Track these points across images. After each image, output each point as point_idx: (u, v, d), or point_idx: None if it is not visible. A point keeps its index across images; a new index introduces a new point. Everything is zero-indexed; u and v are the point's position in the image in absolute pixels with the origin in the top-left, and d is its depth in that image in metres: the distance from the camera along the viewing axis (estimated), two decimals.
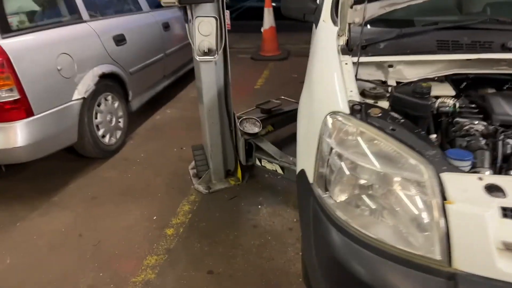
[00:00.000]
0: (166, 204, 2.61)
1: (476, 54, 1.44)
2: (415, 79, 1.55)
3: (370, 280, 0.96)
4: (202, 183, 2.77)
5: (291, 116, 3.30)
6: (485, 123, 1.22)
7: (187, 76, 5.18)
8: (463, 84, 1.59)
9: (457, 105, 1.34)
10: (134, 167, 3.12)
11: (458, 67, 1.53)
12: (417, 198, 0.97)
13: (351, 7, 1.56)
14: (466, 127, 1.21)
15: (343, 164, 1.10)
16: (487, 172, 1.05)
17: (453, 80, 1.58)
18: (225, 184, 2.78)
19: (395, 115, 1.18)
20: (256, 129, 2.68)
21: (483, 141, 1.14)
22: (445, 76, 1.56)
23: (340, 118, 1.16)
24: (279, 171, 2.55)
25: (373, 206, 1.04)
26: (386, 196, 1.02)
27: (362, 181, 1.06)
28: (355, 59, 1.49)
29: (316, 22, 2.00)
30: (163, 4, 2.32)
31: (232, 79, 2.60)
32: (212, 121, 2.60)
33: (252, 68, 5.84)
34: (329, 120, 1.18)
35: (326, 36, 1.68)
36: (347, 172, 1.09)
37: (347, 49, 1.54)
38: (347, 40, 1.61)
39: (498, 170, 1.07)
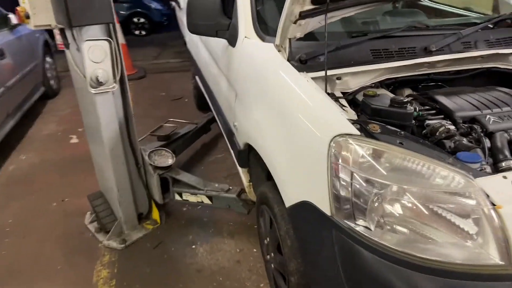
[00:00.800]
0: (74, 278, 2.06)
1: (407, 60, 1.57)
2: (357, 88, 1.59)
3: None
4: (113, 237, 2.30)
5: (189, 138, 3.08)
6: (450, 123, 1.33)
7: (32, 110, 4.33)
8: (390, 87, 1.72)
9: (417, 108, 1.42)
10: (6, 239, 2.38)
11: (390, 73, 1.64)
12: (463, 208, 0.97)
13: (295, 23, 1.49)
14: (442, 129, 1.28)
15: (374, 190, 1.02)
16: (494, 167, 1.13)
17: (385, 84, 1.69)
18: (142, 231, 2.38)
19: (393, 128, 1.17)
20: (169, 161, 2.37)
21: (464, 140, 1.23)
22: (380, 82, 1.66)
23: (352, 141, 1.07)
24: (207, 201, 2.32)
25: (419, 228, 0.99)
26: (430, 215, 0.99)
27: (401, 203, 1.01)
28: (311, 74, 1.44)
29: (233, 39, 1.87)
30: (33, 28, 1.81)
31: None
32: (117, 161, 2.17)
33: None
34: (340, 144, 1.08)
35: (268, 55, 1.58)
36: (383, 197, 1.02)
37: (301, 65, 1.47)
38: (288, 55, 1.55)
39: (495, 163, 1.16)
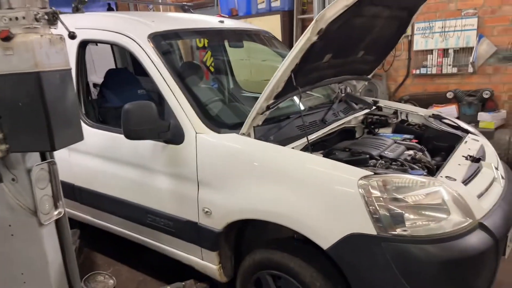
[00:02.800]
0: None
1: (326, 128, 2.27)
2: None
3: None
4: None
5: None
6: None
7: None
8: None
9: None
10: None
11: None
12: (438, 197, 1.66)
13: (262, 114, 1.93)
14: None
15: (410, 198, 1.59)
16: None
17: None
18: None
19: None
20: (111, 282, 2.10)
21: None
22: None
23: (378, 177, 1.62)
24: None
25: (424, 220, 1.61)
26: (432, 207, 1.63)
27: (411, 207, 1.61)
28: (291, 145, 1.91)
29: (178, 137, 2.07)
30: None
31: None
32: None
33: None
34: (365, 183, 1.60)
35: (244, 142, 1.92)
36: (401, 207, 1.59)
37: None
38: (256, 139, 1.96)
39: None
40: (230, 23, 3.04)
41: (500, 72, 3.89)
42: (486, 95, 3.71)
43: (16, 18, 1.36)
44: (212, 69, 3.62)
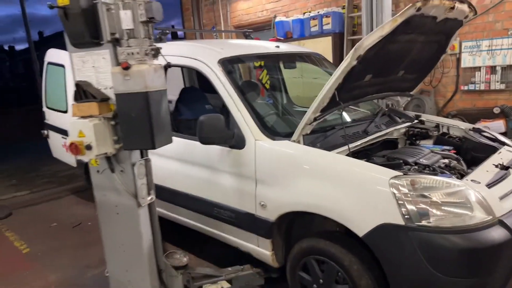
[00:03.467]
0: None
1: (366, 138, 2.62)
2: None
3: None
4: None
5: None
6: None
7: None
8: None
9: None
10: None
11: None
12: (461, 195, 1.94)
13: (310, 124, 2.33)
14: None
15: (435, 196, 1.90)
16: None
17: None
18: None
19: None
20: (184, 260, 2.57)
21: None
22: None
23: (402, 178, 1.95)
24: (226, 286, 2.61)
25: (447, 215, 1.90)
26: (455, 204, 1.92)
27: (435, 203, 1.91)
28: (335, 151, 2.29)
29: (240, 143, 2.52)
30: (93, 157, 1.99)
31: None
32: (153, 271, 2.28)
33: None
34: (396, 182, 1.93)
35: (296, 148, 2.34)
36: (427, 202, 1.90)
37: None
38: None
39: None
40: (284, 48, 3.50)
41: None
42: None
43: (132, 53, 1.91)
44: (267, 86, 4.09)
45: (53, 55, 4.78)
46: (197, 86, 4.61)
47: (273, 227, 2.45)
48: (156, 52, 1.97)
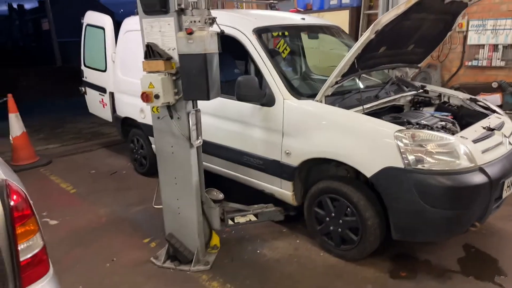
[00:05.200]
0: None
1: (377, 101, 3.10)
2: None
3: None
4: (197, 264, 2.86)
5: None
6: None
7: None
8: None
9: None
10: None
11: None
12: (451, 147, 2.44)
13: (332, 87, 2.81)
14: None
15: (429, 146, 2.40)
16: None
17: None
18: (212, 255, 3.01)
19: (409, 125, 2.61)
20: (220, 196, 3.12)
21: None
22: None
23: (404, 131, 2.44)
24: (253, 219, 3.17)
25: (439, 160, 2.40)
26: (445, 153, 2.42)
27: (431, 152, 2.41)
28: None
29: (271, 102, 3.01)
30: (162, 105, 2.48)
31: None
32: (198, 201, 2.84)
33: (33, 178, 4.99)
34: (399, 134, 2.43)
35: (319, 106, 2.82)
36: (424, 151, 2.40)
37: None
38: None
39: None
40: (309, 20, 3.92)
41: None
42: None
43: (195, 21, 2.36)
44: (283, 55, 4.51)
45: (92, 17, 5.19)
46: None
47: (295, 172, 2.98)
48: (213, 21, 2.43)
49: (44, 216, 3.80)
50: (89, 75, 5.37)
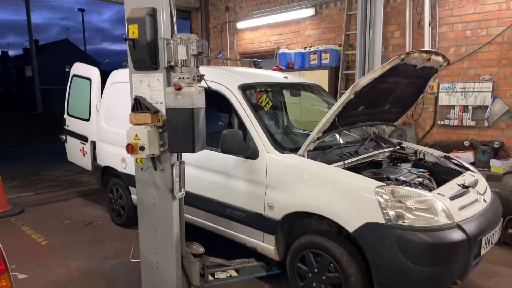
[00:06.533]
0: None
1: (357, 157, 3.20)
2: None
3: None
4: None
5: None
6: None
7: None
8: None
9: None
10: None
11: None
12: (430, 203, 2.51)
13: (313, 142, 2.90)
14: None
15: (408, 202, 2.46)
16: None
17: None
18: None
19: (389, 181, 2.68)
20: (201, 249, 3.06)
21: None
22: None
23: (384, 187, 2.51)
24: (234, 274, 3.09)
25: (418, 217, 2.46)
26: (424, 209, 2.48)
27: (410, 209, 2.47)
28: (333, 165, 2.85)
29: (254, 155, 3.07)
30: (144, 157, 2.50)
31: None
32: (178, 255, 2.76)
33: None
34: (380, 190, 2.49)
35: (301, 160, 2.89)
36: (403, 207, 2.45)
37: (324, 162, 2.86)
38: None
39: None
40: (291, 78, 4.12)
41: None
42: (496, 145, 4.45)
43: (183, 78, 2.46)
44: (266, 109, 4.66)
45: (80, 68, 5.30)
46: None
47: (277, 225, 2.97)
48: (201, 78, 2.54)
49: (13, 269, 3.59)
50: (72, 124, 5.37)
